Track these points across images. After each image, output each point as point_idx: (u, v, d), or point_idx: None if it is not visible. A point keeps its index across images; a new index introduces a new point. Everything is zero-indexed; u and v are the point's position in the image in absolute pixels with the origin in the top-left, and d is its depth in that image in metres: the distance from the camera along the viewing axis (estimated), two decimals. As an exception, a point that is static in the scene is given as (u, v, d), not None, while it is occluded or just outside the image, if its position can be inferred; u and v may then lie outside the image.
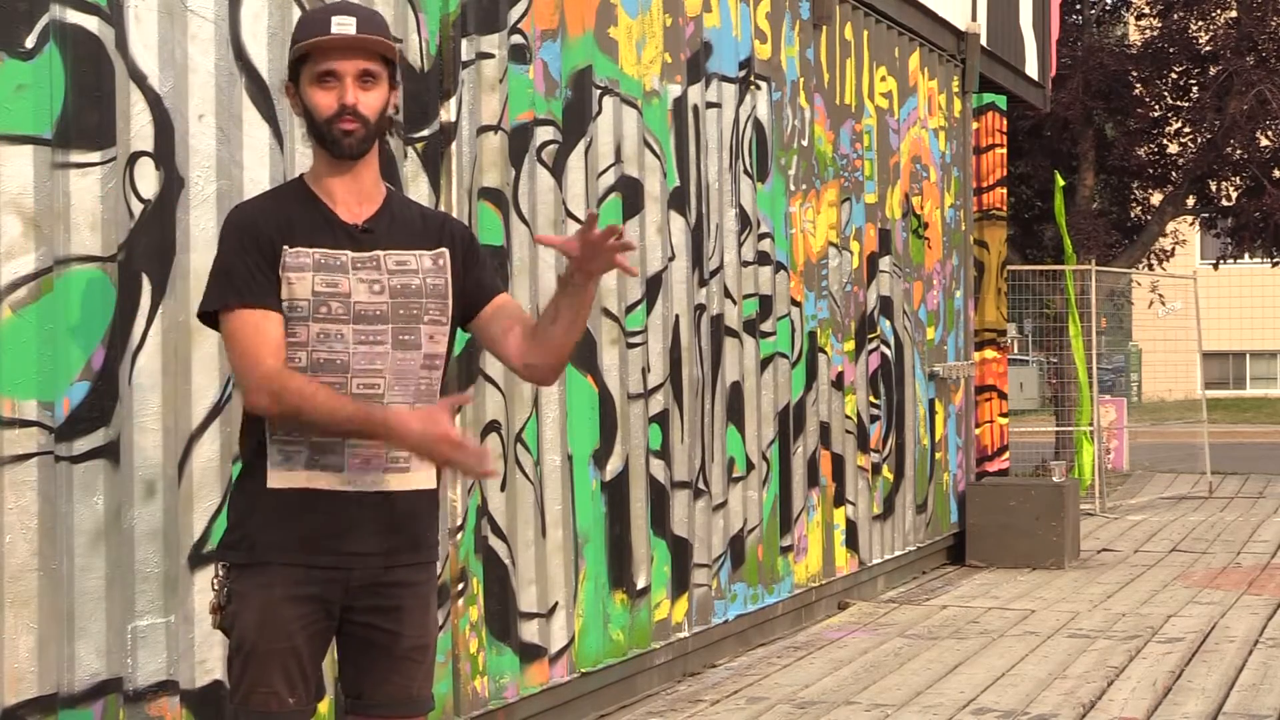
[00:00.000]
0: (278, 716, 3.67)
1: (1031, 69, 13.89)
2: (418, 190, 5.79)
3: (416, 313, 3.72)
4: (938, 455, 11.47)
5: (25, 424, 4.23)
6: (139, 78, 4.60)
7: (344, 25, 3.65)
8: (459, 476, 5.92)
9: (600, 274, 3.69)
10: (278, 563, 3.64)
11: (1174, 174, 20.16)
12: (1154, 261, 20.59)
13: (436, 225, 3.87)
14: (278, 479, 3.65)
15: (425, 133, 5.85)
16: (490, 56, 6.20)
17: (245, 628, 3.67)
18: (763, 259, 8.56)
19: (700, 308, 7.84)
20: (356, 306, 3.67)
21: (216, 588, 3.72)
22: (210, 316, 3.71)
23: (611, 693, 7.08)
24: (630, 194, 7.20)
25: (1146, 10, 20.07)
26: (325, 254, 3.67)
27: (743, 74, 8.36)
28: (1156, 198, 20.85)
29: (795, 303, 9.00)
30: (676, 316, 7.61)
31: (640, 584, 7.23)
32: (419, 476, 3.74)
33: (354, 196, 3.73)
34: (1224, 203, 20.24)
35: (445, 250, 3.80)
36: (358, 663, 3.77)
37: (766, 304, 8.59)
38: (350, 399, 3.61)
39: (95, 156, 4.44)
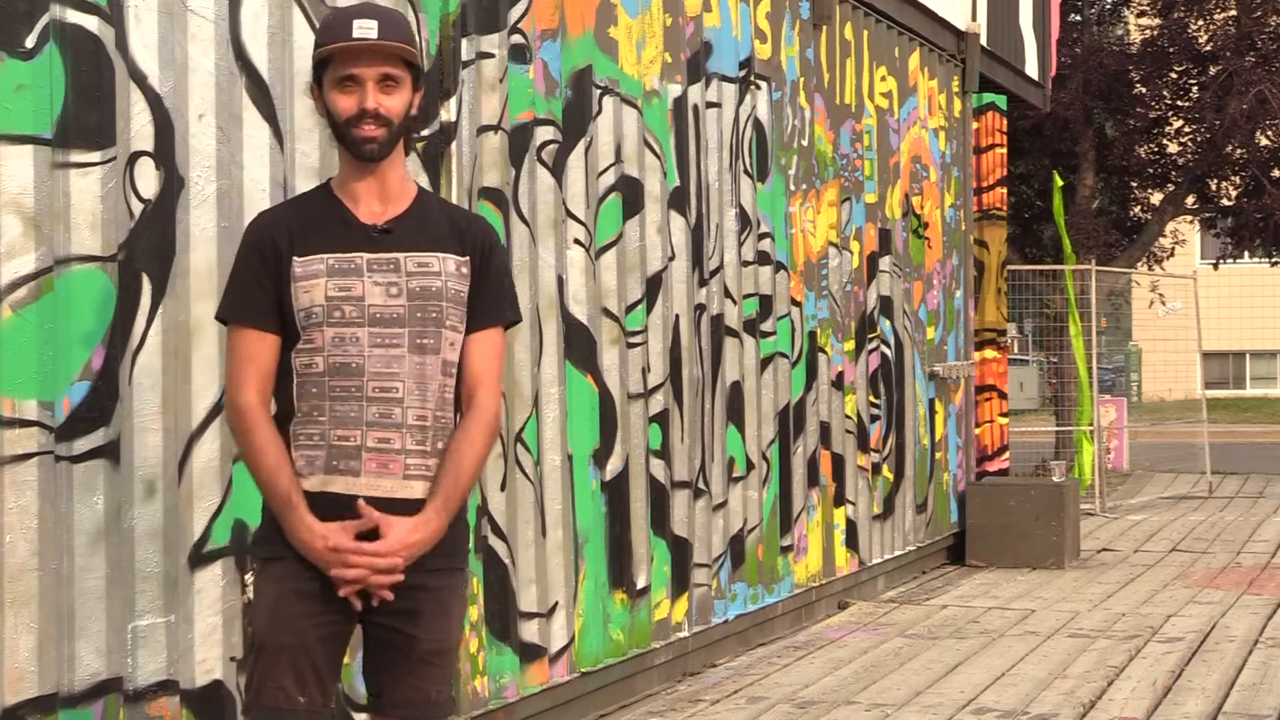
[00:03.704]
0: (286, 714, 3.67)
1: (1031, 69, 13.89)
2: (418, 190, 5.79)
3: (437, 316, 3.69)
4: (938, 455, 11.47)
5: (25, 424, 4.23)
6: (139, 78, 4.60)
7: (366, 29, 3.65)
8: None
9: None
10: (295, 557, 3.65)
11: (1174, 174, 20.15)
12: (1154, 261, 20.58)
13: (464, 230, 3.82)
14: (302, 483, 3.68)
15: (425, 132, 5.84)
16: (490, 56, 6.20)
17: (259, 622, 3.71)
18: (763, 259, 8.56)
19: (700, 307, 7.84)
20: (371, 310, 3.66)
21: (246, 583, 3.76)
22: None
23: (611, 693, 7.08)
24: (630, 194, 7.20)
25: (1147, 8, 20.06)
26: (339, 258, 3.67)
27: (743, 74, 8.36)
28: (1156, 197, 20.84)
29: (795, 302, 8.99)
30: (676, 316, 7.61)
31: (640, 584, 7.23)
32: None
33: (377, 198, 3.73)
34: (1224, 202, 20.23)
35: (469, 258, 3.78)
36: (377, 662, 3.79)
37: (766, 304, 8.59)
38: (287, 480, 3.65)
39: (95, 156, 4.44)
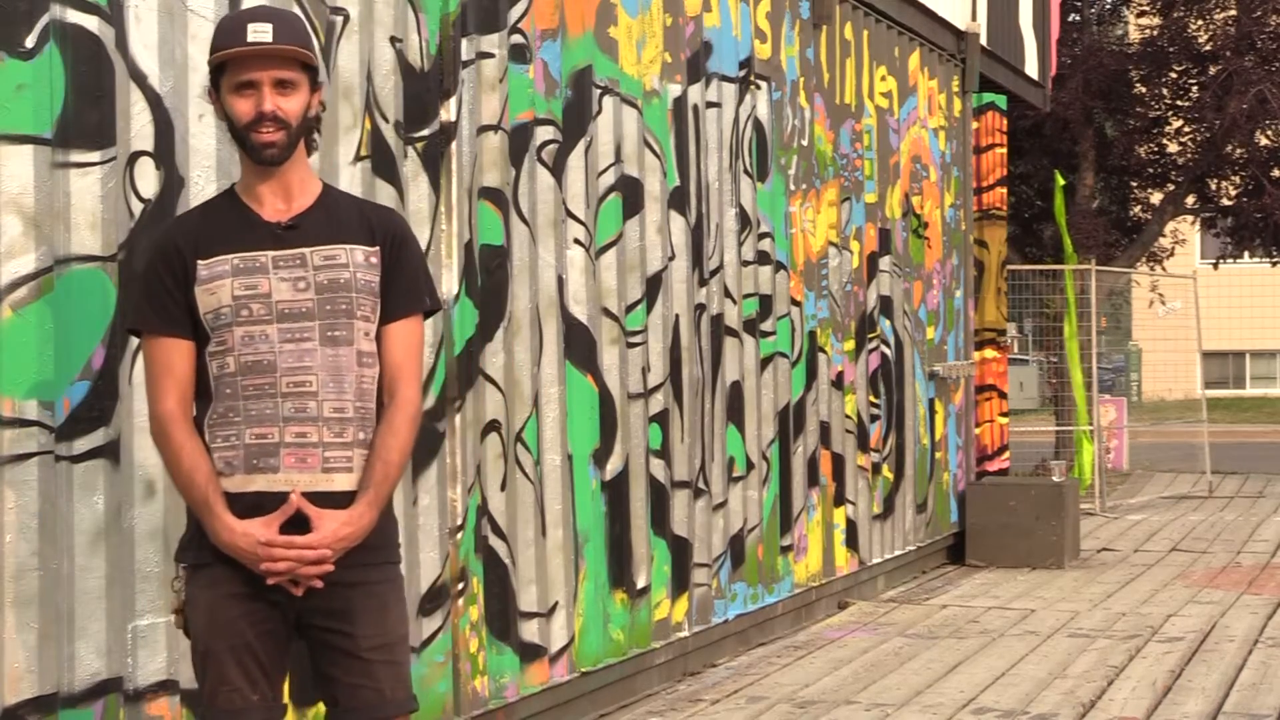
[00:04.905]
0: (242, 714, 3.68)
1: (1031, 69, 13.89)
2: (418, 190, 5.79)
3: (347, 308, 3.69)
4: (938, 455, 11.47)
5: (25, 424, 4.23)
6: (139, 78, 4.60)
7: (260, 33, 3.64)
8: (459, 478, 5.93)
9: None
10: (221, 562, 3.66)
11: (1174, 173, 20.15)
12: (1154, 261, 20.59)
13: (373, 221, 3.83)
14: (222, 484, 3.68)
15: (425, 132, 5.85)
16: (490, 56, 6.20)
17: (198, 629, 3.71)
18: (763, 258, 8.56)
19: (700, 307, 7.84)
20: (279, 306, 3.66)
21: (175, 590, 3.75)
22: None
23: (611, 692, 7.08)
24: (630, 194, 7.20)
25: (1147, 8, 20.06)
26: (243, 257, 3.68)
27: (743, 73, 8.36)
28: (1156, 197, 20.85)
29: (795, 302, 9.00)
30: (676, 316, 7.61)
31: (640, 584, 7.23)
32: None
33: (280, 197, 3.74)
34: (1224, 202, 20.24)
35: (378, 248, 3.78)
36: (326, 669, 3.77)
37: (766, 304, 8.59)
38: (204, 481, 3.64)
39: (95, 156, 4.44)
